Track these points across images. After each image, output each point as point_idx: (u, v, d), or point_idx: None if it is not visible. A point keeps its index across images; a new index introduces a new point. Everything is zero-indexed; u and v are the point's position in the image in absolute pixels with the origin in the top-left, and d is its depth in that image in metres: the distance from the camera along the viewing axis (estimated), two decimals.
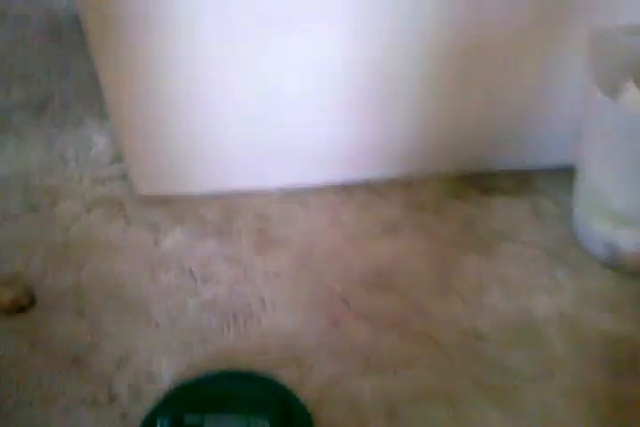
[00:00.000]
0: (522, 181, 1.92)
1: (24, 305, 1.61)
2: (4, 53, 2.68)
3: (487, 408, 1.37)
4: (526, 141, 1.89)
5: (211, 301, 1.63)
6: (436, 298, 1.61)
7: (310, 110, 1.76)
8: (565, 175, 1.83)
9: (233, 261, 1.73)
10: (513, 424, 1.34)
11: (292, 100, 1.73)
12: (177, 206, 1.89)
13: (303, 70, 1.68)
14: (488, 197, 1.88)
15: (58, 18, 2.91)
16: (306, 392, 1.40)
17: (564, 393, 1.40)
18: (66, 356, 1.52)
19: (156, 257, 1.74)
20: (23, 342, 1.55)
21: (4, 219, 1.89)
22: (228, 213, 1.87)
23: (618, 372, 1.44)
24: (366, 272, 1.69)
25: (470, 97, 1.77)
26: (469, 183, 1.93)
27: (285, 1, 1.54)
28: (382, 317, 1.58)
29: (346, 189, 1.93)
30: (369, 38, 1.63)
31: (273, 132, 1.80)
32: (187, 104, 1.72)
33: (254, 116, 1.75)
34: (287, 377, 1.43)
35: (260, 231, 1.82)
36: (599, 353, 1.49)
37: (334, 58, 1.66)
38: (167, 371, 1.47)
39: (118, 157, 2.07)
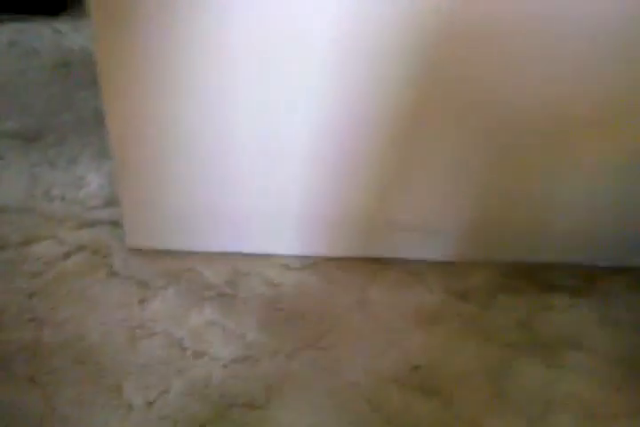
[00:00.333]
0: (585, 279, 1.63)
1: None
2: (6, 82, 2.42)
3: None
4: (594, 233, 1.61)
5: (201, 382, 1.27)
6: (492, 413, 1.28)
7: (344, 176, 1.50)
8: (638, 276, 1.55)
9: (234, 335, 1.39)
10: None
11: (315, 160, 1.47)
12: (173, 263, 1.57)
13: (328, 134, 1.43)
14: (547, 293, 1.58)
15: (69, 54, 2.70)
16: None
17: None
18: None
19: (140, 320, 1.40)
20: None
21: None
22: (233, 276, 1.55)
23: None
24: (400, 368, 1.35)
25: (529, 175, 1.51)
26: (524, 275, 1.62)
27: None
28: None
29: (376, 265, 1.61)
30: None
31: (295, 193, 1.52)
32: (199, 153, 1.46)
33: (269, 173, 1.48)
34: None
35: (271, 302, 1.49)
36: None
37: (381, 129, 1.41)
38: None
39: (111, 201, 1.77)
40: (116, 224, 1.67)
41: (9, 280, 1.49)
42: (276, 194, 1.53)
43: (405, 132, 1.43)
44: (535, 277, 1.62)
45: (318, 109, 1.38)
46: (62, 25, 2.98)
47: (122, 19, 1.27)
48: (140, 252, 1.59)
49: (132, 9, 1.25)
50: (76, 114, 2.24)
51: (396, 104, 1.36)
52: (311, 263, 1.60)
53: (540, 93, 1.34)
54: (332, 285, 1.56)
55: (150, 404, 1.22)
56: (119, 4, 1.24)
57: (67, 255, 1.57)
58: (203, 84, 1.35)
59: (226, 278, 1.54)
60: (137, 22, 1.28)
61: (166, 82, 1.35)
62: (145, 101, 1.39)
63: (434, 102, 1.37)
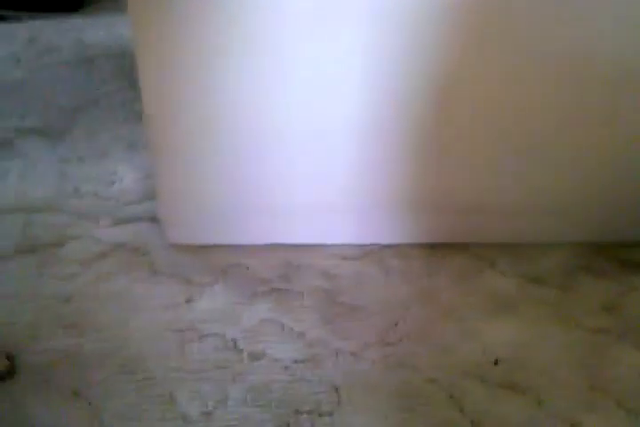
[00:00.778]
0: None
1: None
2: (29, 79, 2.32)
3: None
4: None
5: (262, 387, 1.15)
6: (589, 407, 1.13)
7: (401, 153, 1.35)
8: None
9: (294, 333, 1.26)
10: None
11: (380, 138, 1.33)
12: (218, 257, 1.44)
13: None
14: (632, 273, 1.43)
15: (90, 50, 2.59)
16: None
17: None
18: None
19: (188, 321, 1.28)
20: None
21: None
22: (285, 269, 1.42)
23: None
24: (479, 361, 1.21)
25: (608, 141, 1.36)
26: (603, 255, 1.47)
27: None
28: None
29: (437, 251, 1.47)
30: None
31: (346, 178, 1.39)
32: (242, 142, 1.34)
33: (318, 159, 1.36)
34: None
35: (329, 295, 1.35)
36: None
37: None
38: None
39: (147, 196, 1.65)
40: (153, 220, 1.55)
41: (43, 284, 1.38)
42: (326, 180, 1.40)
43: (458, 105, 1.29)
44: (615, 257, 1.47)
45: (370, 91, 1.25)
46: (81, 21, 2.88)
47: (160, 6, 1.15)
48: (181, 247, 1.47)
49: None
50: (102, 108, 2.13)
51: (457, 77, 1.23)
52: (368, 252, 1.47)
53: None
54: (394, 274, 1.42)
55: (208, 414, 1.09)
56: None
57: (103, 254, 1.46)
58: (246, 72, 1.23)
59: (277, 272, 1.41)
60: (176, 8, 1.15)
61: (207, 70, 1.24)
62: (185, 91, 1.27)
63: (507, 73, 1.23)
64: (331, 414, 1.11)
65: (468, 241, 1.49)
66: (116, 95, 2.19)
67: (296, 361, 1.20)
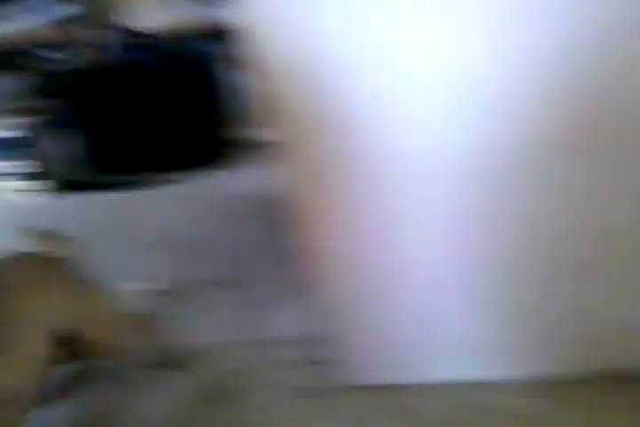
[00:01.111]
0: None
1: None
2: (193, 235, 2.55)
3: None
4: None
5: None
6: None
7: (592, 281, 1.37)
8: None
9: None
10: None
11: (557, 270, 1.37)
12: (394, 398, 1.49)
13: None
14: None
15: (241, 201, 2.82)
16: None
17: None
18: None
19: None
20: None
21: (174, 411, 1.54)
22: (456, 409, 1.44)
23: None
24: None
25: None
26: None
27: None
28: None
29: (609, 382, 1.45)
30: None
31: (517, 310, 1.42)
32: (414, 276, 1.40)
33: (497, 294, 1.40)
34: None
35: None
36: None
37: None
38: None
39: (313, 340, 1.74)
40: (326, 362, 1.61)
41: None
42: (499, 315, 1.44)
43: None
44: None
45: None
46: (223, 175, 3.13)
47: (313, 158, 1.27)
48: (355, 389, 1.53)
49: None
50: (266, 259, 2.27)
51: None
52: (537, 386, 1.47)
53: None
54: (564, 410, 1.41)
55: None
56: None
57: (280, 402, 1.54)
58: (402, 224, 1.33)
59: (449, 411, 1.44)
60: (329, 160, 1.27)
61: (364, 218, 1.33)
62: (343, 239, 1.37)
63: None
64: None
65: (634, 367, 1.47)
66: (276, 252, 2.34)
67: None
